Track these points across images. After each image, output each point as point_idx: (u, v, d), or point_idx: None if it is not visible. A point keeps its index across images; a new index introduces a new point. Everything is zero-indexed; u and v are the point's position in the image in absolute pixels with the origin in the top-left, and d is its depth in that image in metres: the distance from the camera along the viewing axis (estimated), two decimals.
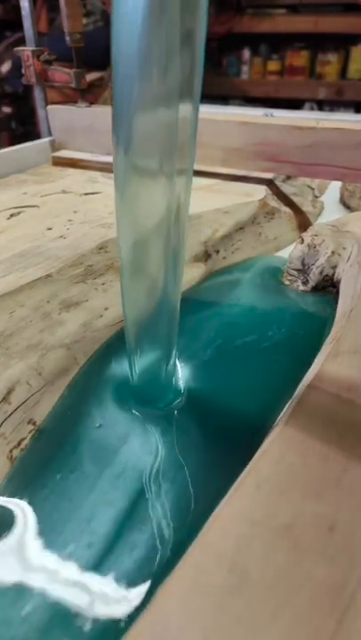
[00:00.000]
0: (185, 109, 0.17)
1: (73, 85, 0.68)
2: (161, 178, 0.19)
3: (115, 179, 0.19)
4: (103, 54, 1.50)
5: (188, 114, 0.18)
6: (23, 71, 0.69)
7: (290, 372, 0.30)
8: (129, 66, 0.17)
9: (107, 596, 0.19)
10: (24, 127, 1.92)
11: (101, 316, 0.36)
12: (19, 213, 0.52)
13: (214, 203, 0.53)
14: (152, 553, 0.21)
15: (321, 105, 2.10)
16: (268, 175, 0.61)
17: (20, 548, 0.21)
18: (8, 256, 0.42)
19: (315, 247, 0.43)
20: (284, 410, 0.25)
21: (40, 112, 0.73)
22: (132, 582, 0.20)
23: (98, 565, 0.20)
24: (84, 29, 0.66)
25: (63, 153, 0.72)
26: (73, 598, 0.19)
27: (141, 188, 0.19)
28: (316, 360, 0.29)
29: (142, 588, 0.20)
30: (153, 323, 0.24)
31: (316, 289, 0.42)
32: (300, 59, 2.09)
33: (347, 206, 0.60)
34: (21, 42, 0.72)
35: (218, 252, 0.48)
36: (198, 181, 0.60)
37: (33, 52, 0.67)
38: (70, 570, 0.20)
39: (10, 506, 0.23)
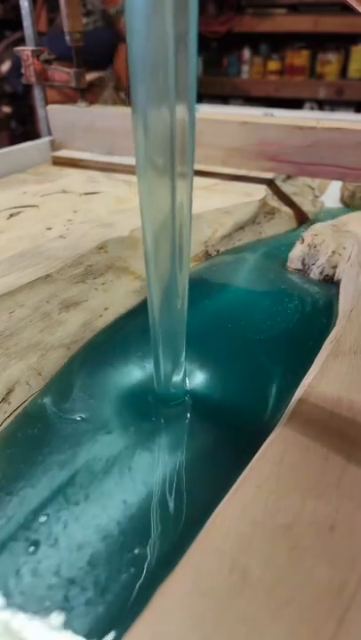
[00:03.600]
0: (180, 111, 0.18)
1: (73, 85, 0.68)
2: (165, 177, 0.19)
3: (137, 169, 0.20)
4: (103, 54, 1.50)
5: (185, 114, 0.18)
6: (23, 71, 0.69)
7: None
8: (137, 65, 0.17)
9: None
10: (24, 127, 1.92)
11: (101, 315, 0.36)
12: (18, 213, 0.52)
13: (215, 202, 0.53)
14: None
15: (321, 104, 2.10)
16: (269, 175, 0.61)
17: None
18: (8, 256, 0.42)
19: (315, 247, 0.43)
20: (285, 410, 0.25)
21: (40, 112, 0.73)
22: None
23: None
24: (84, 29, 0.66)
25: (63, 153, 0.72)
26: None
27: (153, 185, 0.20)
28: (317, 360, 0.29)
29: None
30: (167, 320, 0.24)
31: None
32: (300, 58, 2.09)
33: (347, 206, 0.60)
34: (21, 41, 0.72)
35: (218, 251, 0.48)
36: (199, 181, 0.60)
37: (33, 51, 0.67)
38: None
39: None
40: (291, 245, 0.46)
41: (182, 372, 0.28)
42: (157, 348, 0.26)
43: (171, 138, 0.18)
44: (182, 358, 0.27)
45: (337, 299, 0.39)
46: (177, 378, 0.28)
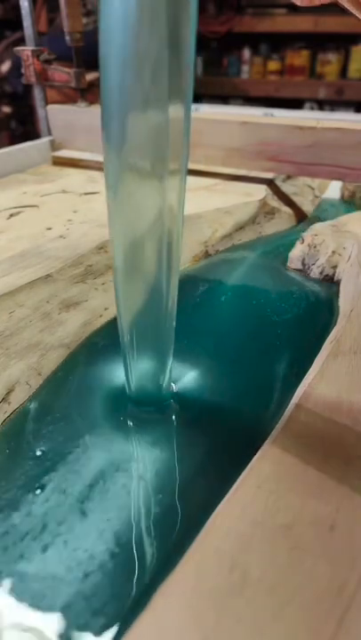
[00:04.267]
0: (175, 111, 0.17)
1: (73, 85, 0.68)
2: (153, 179, 0.19)
3: (106, 179, 0.19)
4: None
5: (179, 115, 0.18)
6: (23, 71, 0.69)
7: None
8: (118, 69, 0.17)
9: None
10: (24, 127, 1.92)
11: (101, 315, 0.36)
12: (18, 213, 0.52)
13: (215, 202, 0.53)
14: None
15: (321, 105, 2.10)
16: (269, 175, 0.61)
17: None
18: (8, 256, 0.42)
19: (315, 247, 0.43)
20: (285, 410, 0.25)
21: (40, 111, 0.73)
22: None
23: None
24: (84, 29, 0.66)
25: (63, 152, 0.72)
26: None
27: (134, 188, 0.19)
28: (317, 360, 0.29)
29: None
30: (148, 327, 0.24)
31: None
32: (300, 58, 2.09)
33: (348, 205, 0.60)
34: (21, 41, 0.72)
35: (218, 251, 0.48)
36: (199, 181, 0.60)
37: (33, 51, 0.67)
38: None
39: None
40: (290, 244, 0.46)
41: (168, 376, 0.27)
42: (130, 360, 0.25)
43: (161, 144, 0.18)
44: (168, 372, 0.26)
45: (337, 297, 0.39)
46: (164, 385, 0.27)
